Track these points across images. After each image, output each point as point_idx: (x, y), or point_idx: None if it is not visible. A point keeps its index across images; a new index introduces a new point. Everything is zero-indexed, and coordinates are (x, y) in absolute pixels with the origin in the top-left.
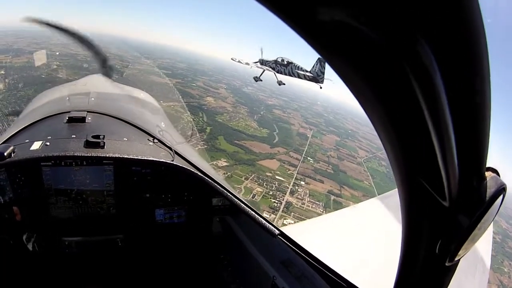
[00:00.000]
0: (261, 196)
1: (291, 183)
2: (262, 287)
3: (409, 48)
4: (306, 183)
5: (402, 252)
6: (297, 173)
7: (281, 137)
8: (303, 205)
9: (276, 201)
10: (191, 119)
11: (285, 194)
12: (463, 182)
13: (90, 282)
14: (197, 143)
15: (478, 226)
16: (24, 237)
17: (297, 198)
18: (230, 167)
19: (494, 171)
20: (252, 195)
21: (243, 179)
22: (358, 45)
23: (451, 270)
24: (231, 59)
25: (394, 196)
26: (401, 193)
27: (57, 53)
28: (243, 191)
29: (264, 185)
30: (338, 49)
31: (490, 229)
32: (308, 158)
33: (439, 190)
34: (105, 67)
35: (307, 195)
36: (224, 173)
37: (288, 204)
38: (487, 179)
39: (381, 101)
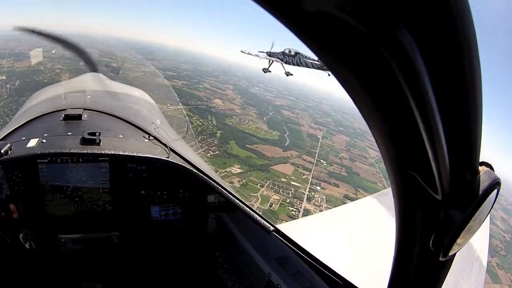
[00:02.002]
0: (278, 204)
1: (307, 189)
2: (257, 284)
3: (391, 37)
4: (322, 188)
5: (396, 247)
6: (312, 177)
7: (292, 139)
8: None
9: (294, 209)
10: (186, 118)
11: (302, 201)
12: (455, 175)
13: (87, 279)
14: (208, 148)
15: (472, 220)
16: (21, 234)
17: (314, 204)
18: (245, 174)
19: (488, 165)
20: (269, 203)
21: (258, 186)
22: (342, 36)
23: (446, 265)
24: (241, 51)
25: (389, 194)
26: (394, 186)
27: (53, 51)
28: (260, 199)
29: (281, 192)
30: (323, 40)
31: (487, 226)
32: (321, 160)
33: (431, 183)
34: (93, 68)
35: (324, 201)
36: (239, 181)
37: (307, 212)
38: (481, 174)
39: (368, 93)
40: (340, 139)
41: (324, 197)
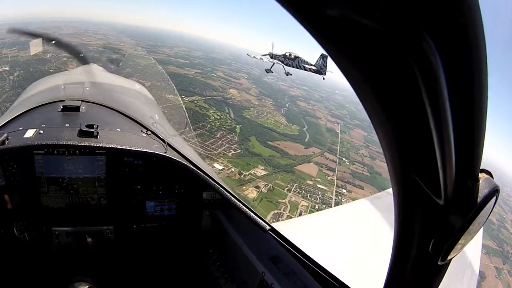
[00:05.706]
0: (307, 212)
1: (334, 193)
2: (250, 282)
3: (416, 44)
4: (348, 191)
5: (394, 249)
6: (337, 179)
7: (312, 134)
8: None
9: None
10: (186, 113)
11: (331, 207)
12: (458, 182)
13: (79, 272)
14: (229, 146)
15: (471, 226)
16: (15, 226)
17: None
18: (270, 176)
19: (488, 172)
20: (299, 212)
21: (285, 191)
22: (364, 41)
23: (443, 269)
24: (247, 54)
25: (383, 197)
26: (395, 190)
27: (53, 42)
28: (289, 207)
29: (308, 197)
30: (343, 44)
31: (480, 234)
32: (343, 159)
33: (434, 189)
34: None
35: None
36: (265, 185)
37: None
38: (481, 181)
39: (382, 98)
40: (358, 133)
41: (351, 201)
